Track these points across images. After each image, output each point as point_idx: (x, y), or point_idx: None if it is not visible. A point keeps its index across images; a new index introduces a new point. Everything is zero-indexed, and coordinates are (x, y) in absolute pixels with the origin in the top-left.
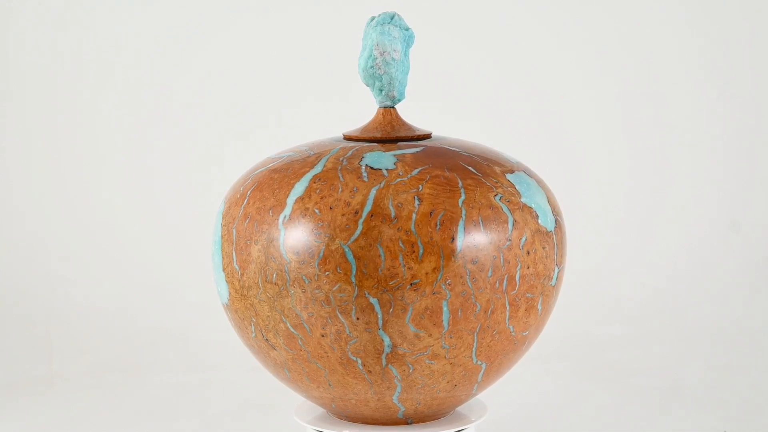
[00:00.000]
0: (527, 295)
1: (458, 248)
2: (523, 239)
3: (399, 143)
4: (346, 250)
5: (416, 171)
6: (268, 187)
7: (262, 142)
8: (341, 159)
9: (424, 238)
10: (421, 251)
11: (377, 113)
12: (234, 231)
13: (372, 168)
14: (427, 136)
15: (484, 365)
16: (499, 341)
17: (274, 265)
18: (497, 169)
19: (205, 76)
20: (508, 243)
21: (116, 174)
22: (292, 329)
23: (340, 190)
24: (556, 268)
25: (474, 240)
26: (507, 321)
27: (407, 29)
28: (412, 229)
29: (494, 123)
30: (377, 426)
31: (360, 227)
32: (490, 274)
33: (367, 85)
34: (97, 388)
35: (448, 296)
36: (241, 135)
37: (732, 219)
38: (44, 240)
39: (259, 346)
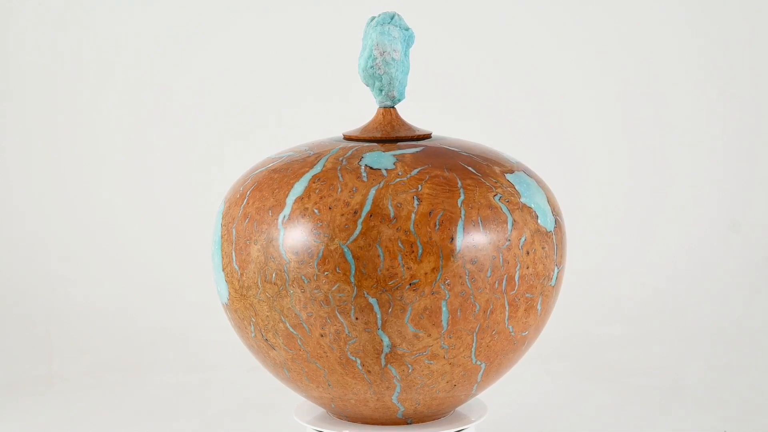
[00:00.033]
0: (527, 295)
1: (457, 248)
2: (523, 239)
3: (399, 143)
4: (345, 250)
5: (416, 171)
6: (268, 187)
7: (262, 142)
8: (341, 159)
9: (424, 238)
10: (420, 251)
11: (377, 113)
12: (234, 231)
13: (371, 168)
14: (427, 136)
15: (483, 365)
16: (499, 341)
17: (274, 265)
18: (497, 169)
19: (205, 76)
20: (507, 243)
21: (116, 174)
22: (291, 329)
23: (340, 190)
24: (556, 269)
25: (473, 240)
26: (506, 321)
27: (407, 29)
28: (412, 229)
29: (494, 123)
30: (377, 426)
31: (359, 227)
32: (489, 274)
33: (367, 85)
34: (97, 388)
35: (448, 296)
36: (241, 135)
37: (732, 219)
38: (44, 240)
39: (259, 346)
